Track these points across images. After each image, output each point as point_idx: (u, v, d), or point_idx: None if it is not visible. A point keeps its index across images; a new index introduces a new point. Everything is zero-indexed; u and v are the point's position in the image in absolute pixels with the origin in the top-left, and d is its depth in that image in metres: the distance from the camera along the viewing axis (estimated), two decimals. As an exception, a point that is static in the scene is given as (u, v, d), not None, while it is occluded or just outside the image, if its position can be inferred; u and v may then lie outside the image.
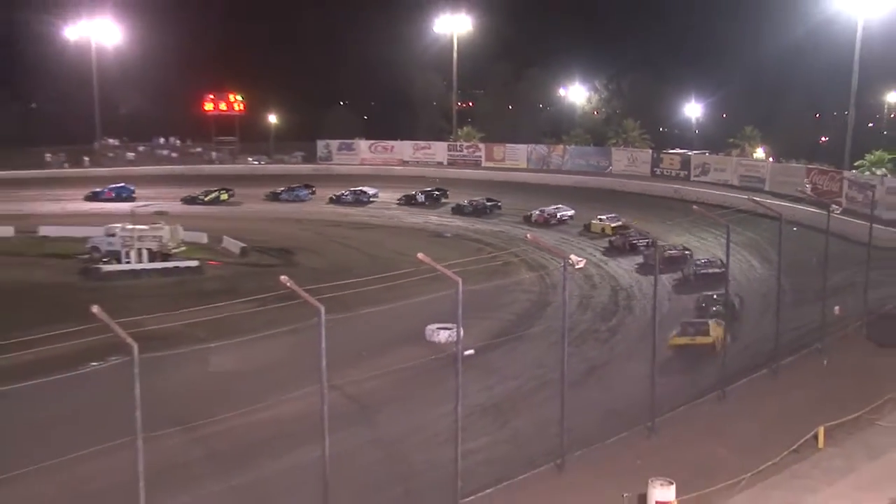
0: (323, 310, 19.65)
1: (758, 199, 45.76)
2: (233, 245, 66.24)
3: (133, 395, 17.49)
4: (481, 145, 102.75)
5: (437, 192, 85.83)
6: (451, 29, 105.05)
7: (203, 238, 68.21)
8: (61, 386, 30.63)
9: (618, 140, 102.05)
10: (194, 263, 59.94)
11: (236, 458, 28.28)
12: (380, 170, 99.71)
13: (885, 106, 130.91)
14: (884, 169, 69.88)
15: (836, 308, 39.08)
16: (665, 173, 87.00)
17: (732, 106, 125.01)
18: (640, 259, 58.06)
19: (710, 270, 50.14)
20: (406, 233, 71.41)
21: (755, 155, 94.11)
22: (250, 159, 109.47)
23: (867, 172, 69.22)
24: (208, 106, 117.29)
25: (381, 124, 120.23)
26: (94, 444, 22.40)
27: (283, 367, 34.83)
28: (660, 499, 22.45)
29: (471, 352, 35.71)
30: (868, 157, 72.91)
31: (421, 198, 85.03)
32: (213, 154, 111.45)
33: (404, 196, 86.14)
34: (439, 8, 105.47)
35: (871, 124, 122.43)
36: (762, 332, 38.00)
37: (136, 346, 17.22)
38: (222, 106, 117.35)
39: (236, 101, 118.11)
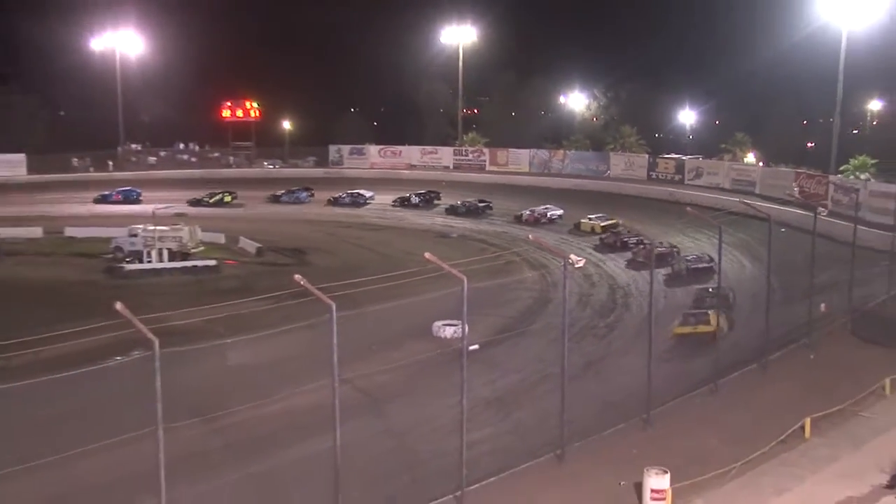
0: (334, 307, 19.67)
1: (748, 201, 45.85)
2: (249, 245, 66.30)
3: (154, 388, 17.56)
4: (486, 150, 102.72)
5: (430, 194, 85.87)
6: (457, 39, 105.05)
7: (221, 238, 68.27)
8: (87, 379, 30.67)
9: (615, 145, 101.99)
10: (212, 262, 60.00)
11: (252, 448, 28.35)
12: (389, 173, 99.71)
13: (868, 114, 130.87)
14: (867, 173, 69.84)
15: (823, 305, 39.09)
16: (660, 177, 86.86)
17: (724, 113, 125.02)
18: (629, 256, 58.70)
19: (700, 266, 51.23)
20: (413, 233, 71.43)
21: (746, 160, 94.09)
22: (265, 164, 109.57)
23: (851, 176, 69.15)
24: (226, 113, 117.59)
25: (391, 130, 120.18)
26: (119, 433, 22.43)
27: (296, 361, 34.87)
28: (655, 487, 22.48)
29: (475, 347, 35.73)
30: (852, 161, 72.87)
31: (415, 199, 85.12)
32: (231, 158, 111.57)
33: (399, 198, 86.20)
34: (446, 19, 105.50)
35: (855, 131, 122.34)
36: (753, 328, 37.96)
37: (157, 342, 17.27)
38: (239, 113, 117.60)
39: (252, 108, 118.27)
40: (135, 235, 60.25)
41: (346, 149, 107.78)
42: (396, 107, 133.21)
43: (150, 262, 58.96)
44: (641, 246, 57.03)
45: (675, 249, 55.08)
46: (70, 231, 71.84)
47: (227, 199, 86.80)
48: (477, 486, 23.75)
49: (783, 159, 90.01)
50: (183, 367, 31.47)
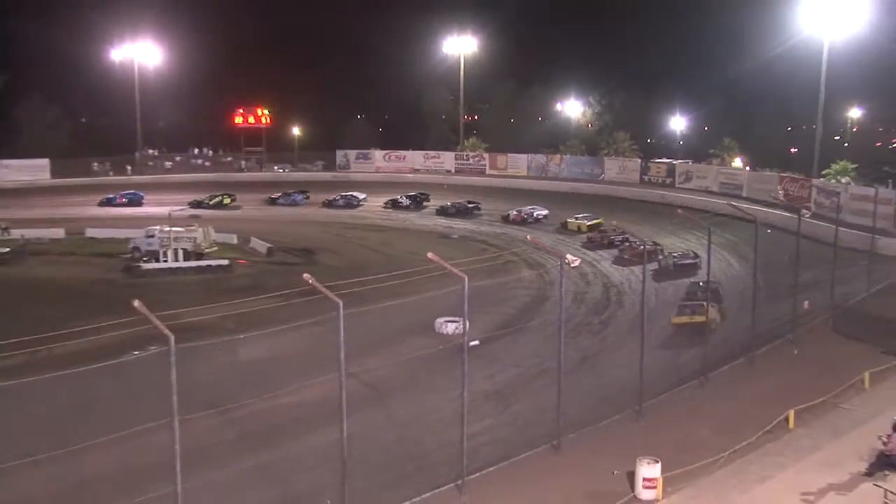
0: (341, 304, 19.70)
1: (736, 204, 45.82)
2: (260, 245, 66.27)
3: (170, 381, 17.59)
4: (486, 155, 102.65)
5: (420, 196, 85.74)
6: (458, 50, 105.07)
7: (233, 239, 68.22)
8: (107, 372, 30.68)
9: (609, 150, 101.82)
10: (225, 262, 59.98)
11: (263, 439, 28.38)
12: (393, 177, 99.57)
13: (849, 121, 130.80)
14: (847, 177, 69.78)
15: (806, 303, 39.16)
16: (652, 180, 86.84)
17: (713, 120, 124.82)
18: (616, 252, 59.45)
19: (686, 262, 52.92)
20: (416, 234, 71.33)
21: (733, 164, 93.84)
22: (276, 168, 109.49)
23: (833, 180, 69.05)
24: (238, 119, 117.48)
25: (395, 136, 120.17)
26: (137, 425, 22.42)
27: (305, 356, 34.79)
28: (647, 475, 22.51)
29: (476, 343, 35.64)
30: (834, 166, 72.77)
31: (405, 201, 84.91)
32: (243, 163, 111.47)
33: (390, 200, 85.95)
34: (448, 31, 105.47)
35: (837, 137, 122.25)
36: (740, 325, 37.97)
37: (172, 337, 17.31)
38: (251, 119, 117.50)
39: (263, 115, 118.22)
40: (152, 236, 60.29)
41: (352, 154, 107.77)
42: (401, 113, 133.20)
43: (166, 261, 58.98)
44: (627, 244, 58.14)
45: (658, 247, 55.57)
46: (91, 232, 71.85)
47: (227, 201, 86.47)
48: (477, 475, 23.81)
49: (768, 164, 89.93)
50: (197, 361, 31.44)
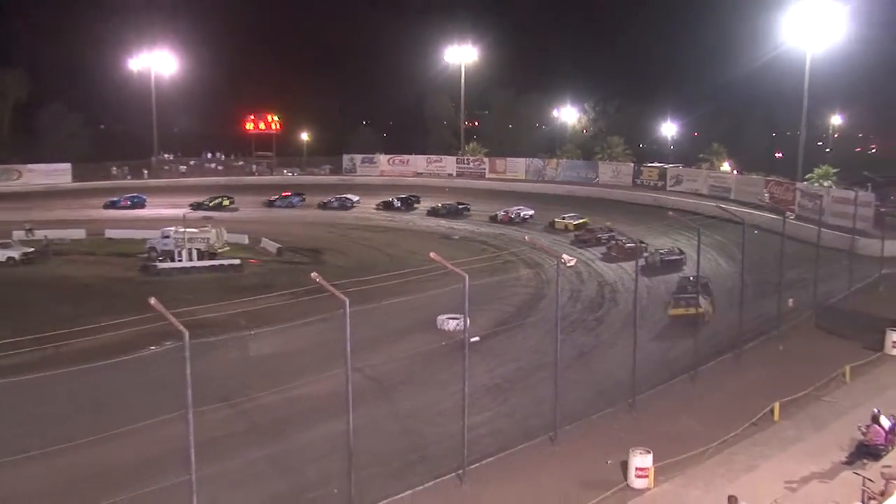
0: (348, 302, 19.73)
1: (724, 206, 45.78)
2: (270, 246, 66.21)
3: (185, 375, 17.62)
4: (486, 159, 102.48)
5: (411, 198, 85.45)
6: (459, 59, 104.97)
7: (245, 240, 68.18)
8: (126, 366, 30.75)
9: (604, 155, 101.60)
10: (237, 262, 59.87)
11: (273, 430, 28.36)
12: (397, 180, 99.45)
13: (830, 127, 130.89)
14: (829, 181, 69.79)
15: (790, 300, 39.23)
16: (645, 184, 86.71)
17: (702, 126, 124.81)
18: (604, 250, 60.03)
19: (671, 258, 53.50)
20: (419, 235, 71.18)
21: (722, 168, 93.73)
22: (285, 171, 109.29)
23: (816, 184, 69.05)
24: (249, 125, 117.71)
25: (399, 141, 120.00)
26: (153, 416, 22.50)
27: (313, 351, 34.81)
28: (639, 465, 22.57)
29: (476, 339, 35.73)
30: (816, 170, 72.76)
31: (397, 203, 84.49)
32: (253, 167, 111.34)
33: (382, 202, 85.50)
34: (449, 41, 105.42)
35: (819, 143, 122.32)
36: (728, 321, 37.98)
37: (187, 333, 17.34)
38: (261, 125, 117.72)
39: (273, 121, 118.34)
40: (167, 237, 60.26)
41: (358, 158, 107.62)
42: (404, 120, 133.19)
43: (180, 261, 58.94)
44: (614, 241, 58.95)
45: (643, 244, 55.96)
46: (110, 233, 71.83)
47: (226, 203, 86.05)
48: (477, 464, 23.87)
49: (755, 168, 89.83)
50: (210, 356, 31.55)
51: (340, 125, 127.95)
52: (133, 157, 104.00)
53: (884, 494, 18.83)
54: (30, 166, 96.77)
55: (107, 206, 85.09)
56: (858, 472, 21.36)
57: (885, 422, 23.39)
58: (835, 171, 71.80)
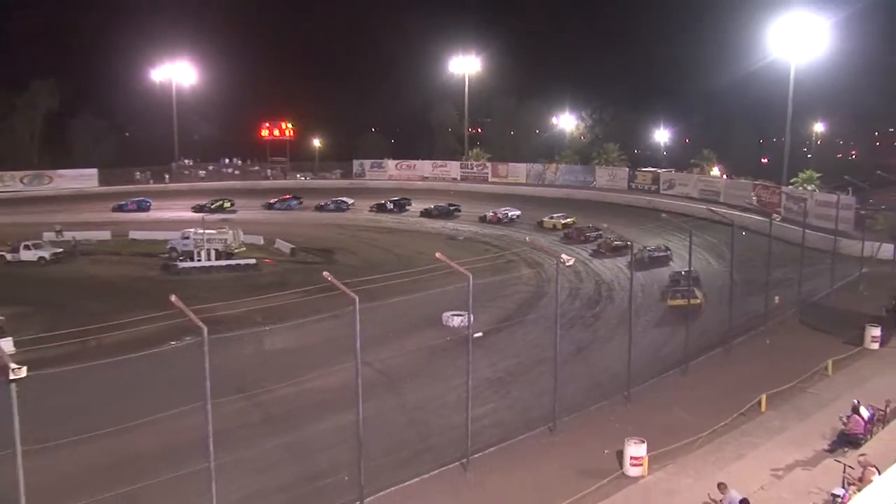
0: (357, 299, 19.73)
1: (714, 208, 45.75)
2: (284, 246, 66.16)
3: (203, 368, 17.63)
4: (488, 164, 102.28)
5: (402, 201, 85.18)
6: (463, 69, 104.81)
7: (260, 240, 68.18)
8: (148, 360, 30.79)
9: (600, 160, 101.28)
10: (252, 261, 59.83)
11: (287, 420, 28.39)
12: (404, 184, 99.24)
13: (814, 134, 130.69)
14: (813, 185, 69.64)
15: (777, 298, 39.23)
16: (639, 187, 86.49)
17: (693, 133, 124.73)
18: (593, 247, 60.47)
19: (658, 254, 54.07)
20: (425, 236, 71.05)
21: (711, 173, 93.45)
22: (298, 176, 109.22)
23: (800, 188, 68.86)
24: (264, 132, 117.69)
25: (406, 146, 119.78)
26: (174, 407, 22.51)
27: (325, 346, 34.85)
28: (634, 454, 22.56)
29: (479, 334, 35.59)
30: (801, 175, 72.50)
31: (390, 206, 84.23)
32: (268, 171, 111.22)
33: (376, 204, 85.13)
34: (454, 52, 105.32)
35: (804, 149, 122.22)
36: (718, 318, 37.96)
37: (205, 329, 17.37)
38: (276, 132, 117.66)
39: (287, 128, 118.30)
40: (187, 238, 60.23)
41: (367, 163, 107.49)
42: (411, 126, 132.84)
43: (199, 260, 58.91)
44: (602, 239, 60.25)
45: (629, 242, 56.29)
46: (133, 234, 71.94)
47: (227, 205, 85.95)
48: (481, 453, 23.87)
49: (743, 172, 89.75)
50: (227, 350, 31.56)
51: (350, 132, 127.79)
52: (155, 162, 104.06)
53: (862, 480, 18.86)
54: (59, 172, 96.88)
55: (115, 210, 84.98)
56: (839, 459, 21.37)
57: (865, 412, 23.48)
58: (818, 175, 71.64)
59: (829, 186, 66.74)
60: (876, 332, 33.25)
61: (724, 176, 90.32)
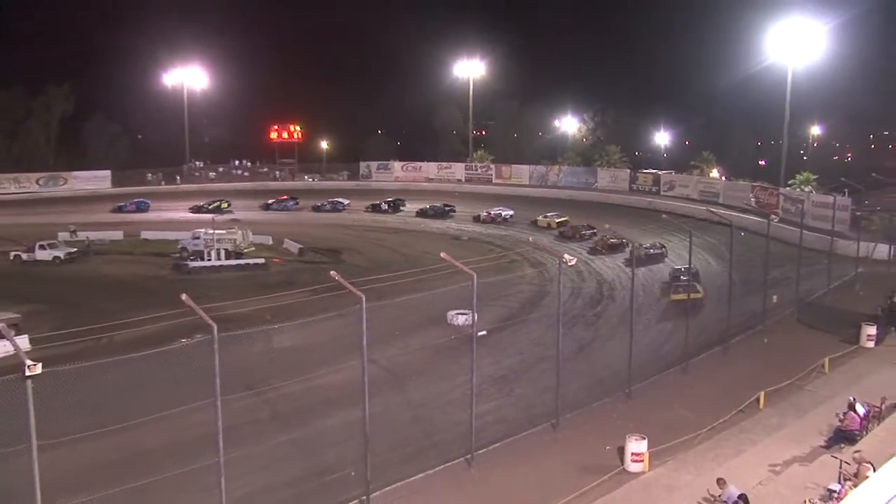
0: (364, 298, 19.71)
1: (713, 209, 45.65)
2: (292, 246, 66.20)
3: (213, 365, 17.62)
4: (492, 166, 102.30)
5: (397, 202, 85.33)
6: (467, 72, 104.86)
7: (269, 240, 68.23)
8: (158, 357, 30.76)
9: (602, 162, 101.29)
10: (261, 261, 59.90)
11: (295, 417, 28.40)
12: (410, 185, 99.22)
13: (810, 137, 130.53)
14: (810, 186, 69.53)
15: (774, 297, 39.12)
16: (640, 189, 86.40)
17: (693, 135, 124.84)
18: (589, 245, 61.16)
19: (654, 252, 54.63)
20: (431, 236, 70.97)
21: (711, 174, 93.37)
22: (306, 177, 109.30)
23: (797, 189, 68.74)
24: (273, 134, 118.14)
25: (412, 148, 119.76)
26: (184, 404, 22.51)
27: (332, 344, 34.70)
28: (635, 450, 22.51)
29: (483, 333, 35.54)
30: (798, 177, 72.40)
31: (385, 206, 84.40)
32: (277, 173, 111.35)
33: (371, 205, 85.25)
34: (459, 56, 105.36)
35: (801, 151, 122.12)
36: (717, 316, 37.89)
37: (215, 326, 17.37)
38: (284, 134, 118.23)
39: (295, 131, 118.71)
40: (197, 238, 60.31)
41: (374, 164, 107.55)
42: (416, 129, 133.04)
43: (209, 260, 58.98)
44: (598, 237, 60.86)
45: (624, 241, 57.76)
46: (145, 234, 72.08)
47: (224, 206, 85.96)
48: (484, 450, 23.83)
49: (741, 174, 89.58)
50: (237, 348, 31.49)
51: (357, 134, 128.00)
52: (167, 164, 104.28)
53: (857, 476, 18.83)
54: (74, 173, 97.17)
55: (114, 211, 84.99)
56: (836, 455, 21.32)
57: (860, 409, 23.46)
58: (815, 177, 71.53)
59: (825, 188, 66.66)
60: (871, 330, 33.20)
61: (723, 178, 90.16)
